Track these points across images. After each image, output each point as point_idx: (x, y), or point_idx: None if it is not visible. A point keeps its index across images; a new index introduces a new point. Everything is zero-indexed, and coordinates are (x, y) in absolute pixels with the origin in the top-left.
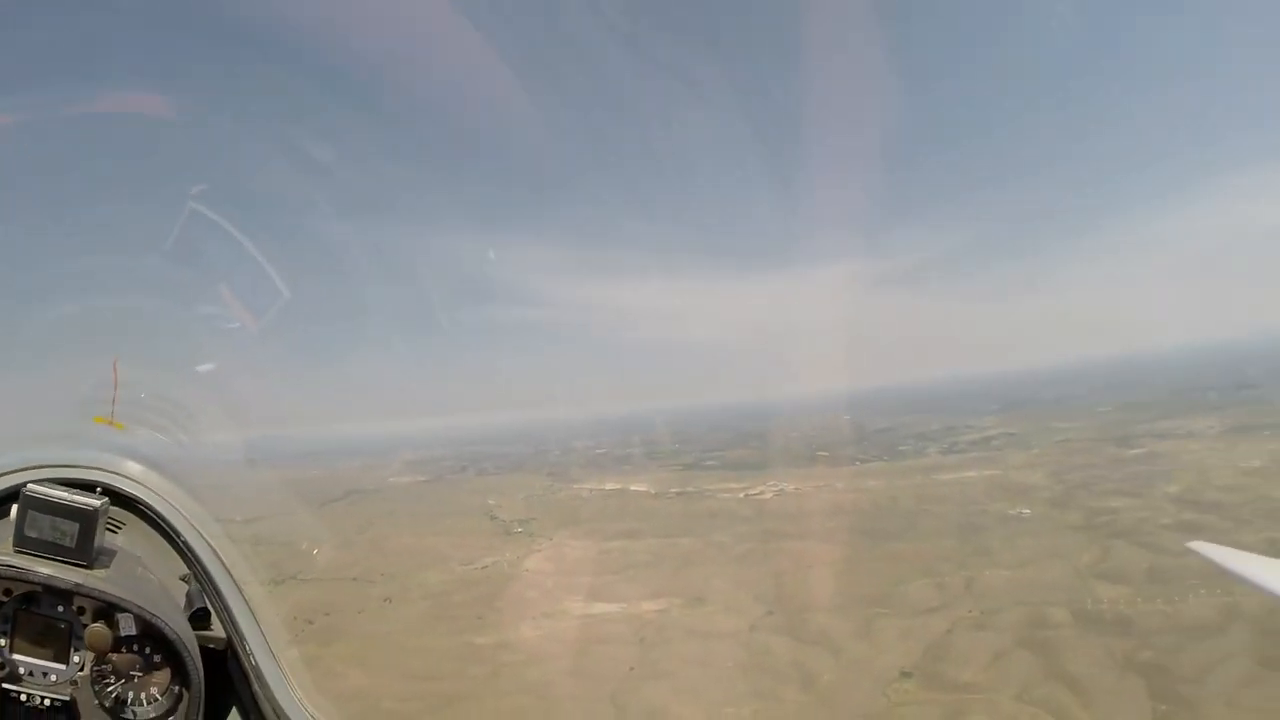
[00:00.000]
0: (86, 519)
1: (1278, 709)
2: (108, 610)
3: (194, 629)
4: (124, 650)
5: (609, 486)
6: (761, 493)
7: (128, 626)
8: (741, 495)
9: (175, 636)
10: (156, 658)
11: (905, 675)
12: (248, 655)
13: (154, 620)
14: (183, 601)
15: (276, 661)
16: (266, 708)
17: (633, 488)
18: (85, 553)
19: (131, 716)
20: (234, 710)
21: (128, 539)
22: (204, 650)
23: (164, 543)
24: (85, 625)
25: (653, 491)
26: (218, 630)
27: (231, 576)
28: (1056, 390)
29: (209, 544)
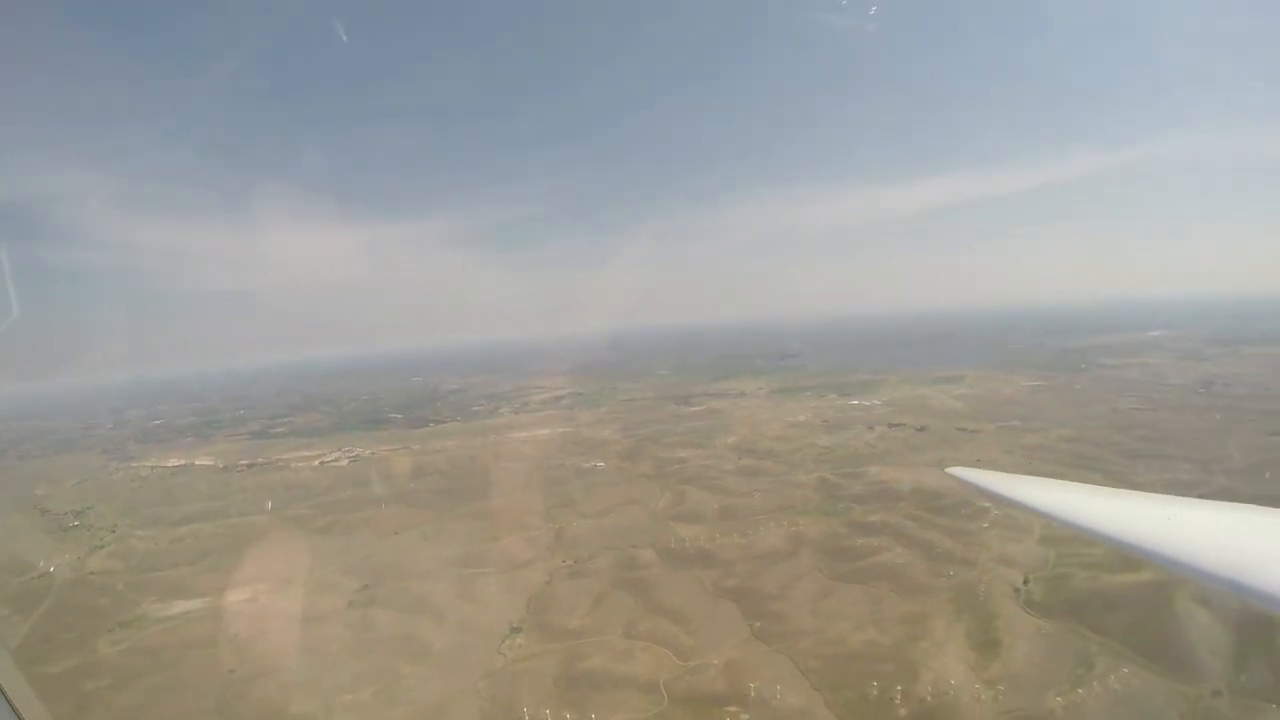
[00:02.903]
0: None
1: (852, 612)
2: None
3: None
4: None
5: (172, 462)
6: (337, 459)
7: None
8: (316, 463)
9: None
10: None
11: (515, 630)
12: None
13: None
14: None
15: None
16: None
17: (198, 462)
18: None
19: None
20: None
21: None
22: None
23: None
24: None
25: (220, 465)
26: None
27: None
28: (617, 354)
29: None
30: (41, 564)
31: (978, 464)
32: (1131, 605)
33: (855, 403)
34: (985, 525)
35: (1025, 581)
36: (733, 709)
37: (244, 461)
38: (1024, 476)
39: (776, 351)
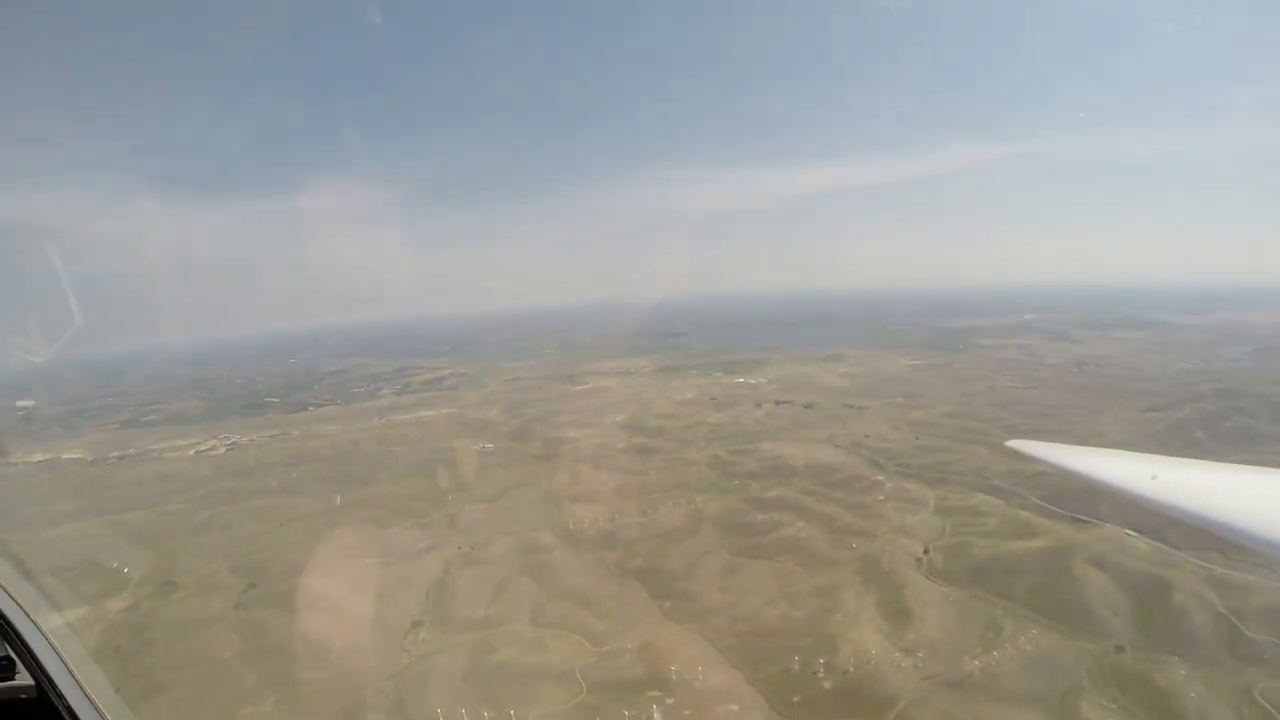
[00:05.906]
0: None
1: (761, 587)
2: None
3: None
4: None
5: (37, 457)
6: (214, 448)
7: None
8: (192, 453)
9: None
10: None
11: (418, 624)
12: (59, 698)
13: None
14: None
15: (93, 704)
16: None
17: (66, 455)
18: None
19: None
20: None
21: None
22: (11, 702)
23: None
24: None
25: (89, 458)
26: (25, 679)
27: (33, 621)
28: (500, 334)
29: (4, 588)
30: None
31: (866, 439)
32: (1031, 570)
33: (741, 380)
34: (881, 498)
35: (926, 551)
36: (655, 693)
37: (115, 453)
38: (1085, 448)
39: (661, 330)
